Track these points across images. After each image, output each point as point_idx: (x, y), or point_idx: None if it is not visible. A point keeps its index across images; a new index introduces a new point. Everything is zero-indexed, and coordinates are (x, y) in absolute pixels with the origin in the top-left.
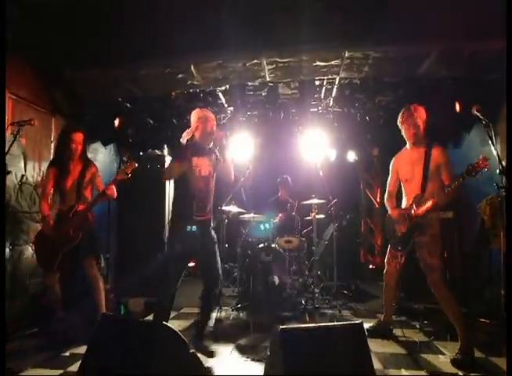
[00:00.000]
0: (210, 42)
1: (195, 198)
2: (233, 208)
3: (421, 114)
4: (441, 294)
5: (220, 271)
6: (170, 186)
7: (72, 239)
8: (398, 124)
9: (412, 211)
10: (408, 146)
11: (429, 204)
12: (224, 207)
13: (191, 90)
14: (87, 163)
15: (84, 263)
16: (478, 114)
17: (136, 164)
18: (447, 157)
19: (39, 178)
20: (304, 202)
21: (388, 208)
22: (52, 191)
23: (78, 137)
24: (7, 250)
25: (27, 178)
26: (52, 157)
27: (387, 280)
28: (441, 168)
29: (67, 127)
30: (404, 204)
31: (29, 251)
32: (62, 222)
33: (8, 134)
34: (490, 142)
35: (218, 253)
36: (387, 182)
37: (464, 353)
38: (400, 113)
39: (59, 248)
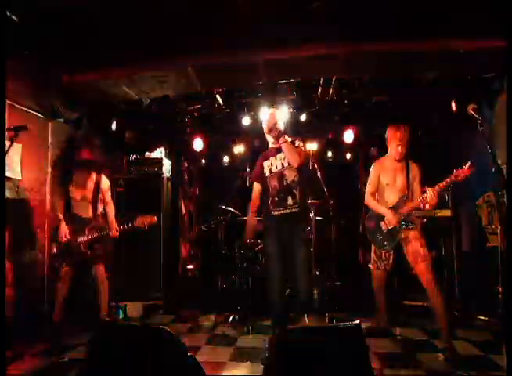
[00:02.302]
0: (207, 43)
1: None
2: (232, 210)
3: (409, 133)
4: (430, 280)
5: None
6: (168, 189)
7: (81, 253)
8: (388, 138)
9: (401, 210)
10: (389, 156)
11: (416, 203)
12: (223, 206)
13: (189, 92)
14: (100, 175)
15: (95, 267)
16: (474, 113)
17: (156, 220)
18: (421, 172)
19: (36, 184)
20: None
21: (378, 208)
22: (63, 203)
23: (86, 154)
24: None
25: (23, 184)
26: (48, 166)
27: (376, 284)
28: (416, 179)
29: (80, 140)
30: (386, 204)
31: (26, 256)
32: (78, 232)
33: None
34: (485, 141)
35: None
36: (370, 184)
37: (450, 351)
38: (391, 130)
39: (73, 258)
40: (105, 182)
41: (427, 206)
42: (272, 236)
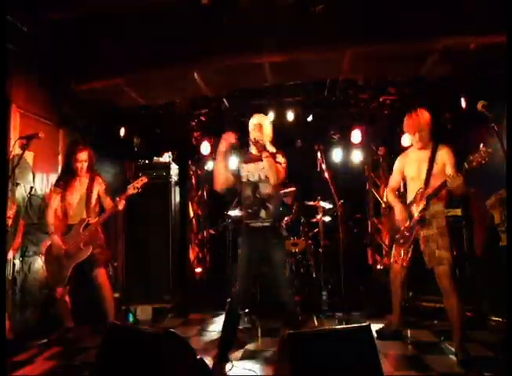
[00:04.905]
0: (212, 47)
1: None
2: (239, 213)
3: (426, 118)
4: (447, 286)
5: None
6: (176, 194)
7: (82, 252)
8: (404, 129)
9: (414, 207)
10: (414, 147)
11: (435, 186)
12: (229, 212)
13: (195, 96)
14: (94, 177)
15: (93, 274)
16: (484, 111)
17: (146, 179)
18: (453, 156)
19: (47, 191)
20: (310, 203)
21: (393, 204)
22: (58, 207)
23: (83, 156)
24: (17, 261)
25: (35, 191)
26: (58, 172)
27: (392, 278)
28: (448, 166)
29: (72, 144)
30: (409, 200)
31: (39, 262)
32: (72, 237)
33: (16, 147)
34: (497, 138)
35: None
36: (391, 178)
37: (462, 353)
38: (405, 119)
39: (69, 262)
40: (99, 185)
41: (452, 185)
42: (245, 246)
